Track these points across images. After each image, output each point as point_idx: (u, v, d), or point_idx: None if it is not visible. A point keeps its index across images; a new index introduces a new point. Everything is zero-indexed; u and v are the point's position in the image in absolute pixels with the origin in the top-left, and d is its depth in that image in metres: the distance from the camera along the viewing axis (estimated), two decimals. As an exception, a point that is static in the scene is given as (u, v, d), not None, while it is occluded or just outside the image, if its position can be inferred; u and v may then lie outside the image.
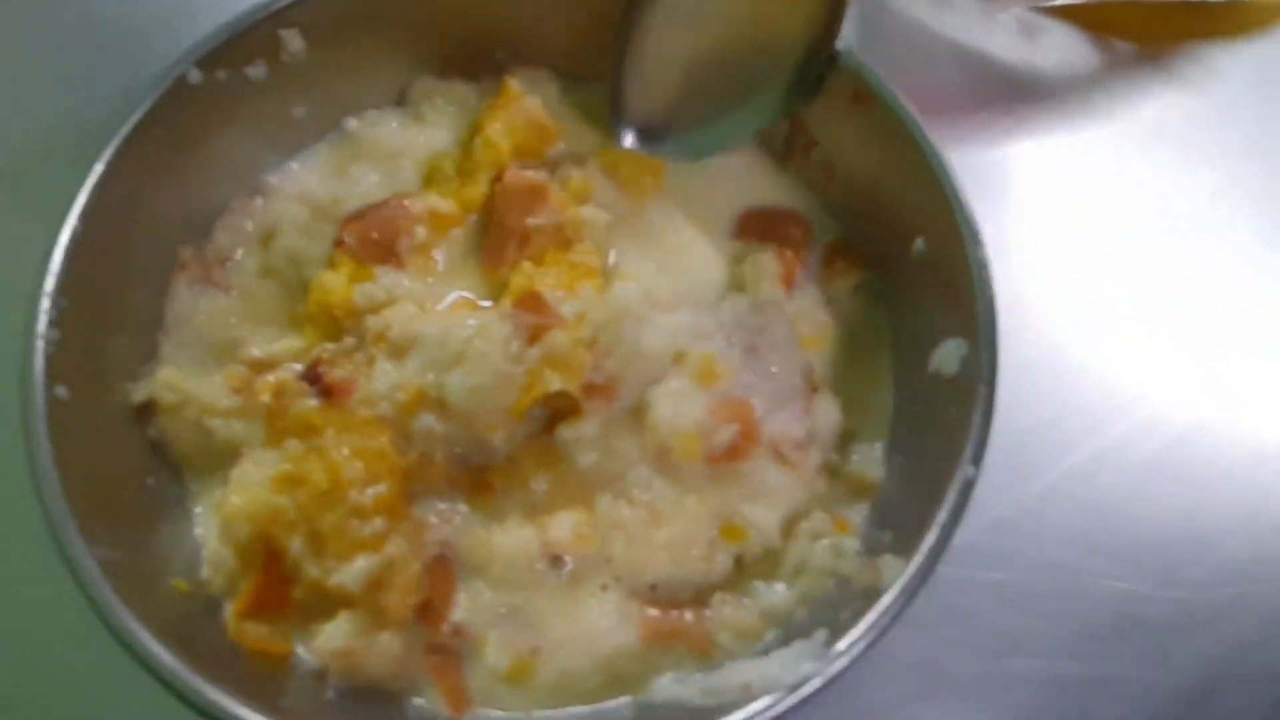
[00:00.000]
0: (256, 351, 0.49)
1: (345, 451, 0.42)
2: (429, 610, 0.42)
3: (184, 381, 0.47)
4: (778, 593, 0.44)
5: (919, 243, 0.46)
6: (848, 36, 0.47)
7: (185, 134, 0.47)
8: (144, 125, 0.44)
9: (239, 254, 0.51)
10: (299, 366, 0.47)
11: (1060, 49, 0.64)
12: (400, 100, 0.55)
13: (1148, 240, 0.60)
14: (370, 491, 0.41)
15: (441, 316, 0.45)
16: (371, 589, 0.41)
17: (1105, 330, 0.58)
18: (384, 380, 0.43)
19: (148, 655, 0.35)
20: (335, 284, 0.48)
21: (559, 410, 0.44)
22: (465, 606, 0.42)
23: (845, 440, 0.48)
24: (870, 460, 0.47)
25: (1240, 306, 0.60)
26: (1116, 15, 0.64)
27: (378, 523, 0.41)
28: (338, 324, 0.47)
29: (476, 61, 0.54)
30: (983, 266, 0.43)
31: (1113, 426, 0.56)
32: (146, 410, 0.46)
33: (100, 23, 0.64)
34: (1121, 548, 0.52)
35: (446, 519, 0.43)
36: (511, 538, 0.43)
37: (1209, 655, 0.50)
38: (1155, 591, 0.51)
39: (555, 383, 0.42)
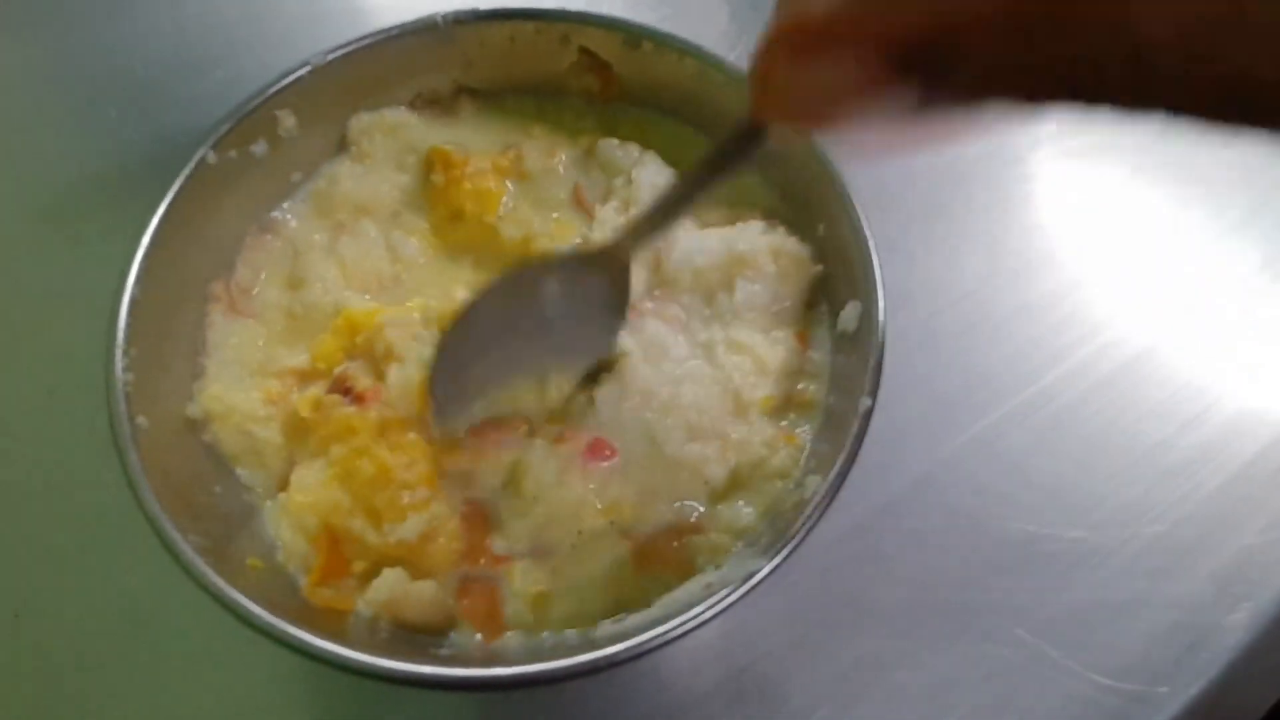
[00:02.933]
0: (293, 362, 0.58)
1: (385, 447, 0.51)
2: (470, 551, 0.52)
3: (227, 395, 0.55)
4: (742, 511, 0.53)
5: (820, 227, 0.57)
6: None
7: (208, 203, 0.56)
8: (174, 203, 0.54)
9: (258, 286, 0.60)
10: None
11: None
12: (341, 144, 0.62)
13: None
14: (411, 471, 0.51)
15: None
16: (423, 540, 0.50)
17: (1010, 310, 0.66)
18: (397, 385, 0.53)
19: (242, 609, 0.43)
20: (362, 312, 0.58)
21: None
22: (502, 541, 0.52)
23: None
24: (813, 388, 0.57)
25: (1136, 273, 0.67)
26: None
27: (421, 491, 0.51)
28: (354, 345, 0.56)
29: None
30: (866, 247, 0.52)
31: (1016, 394, 0.63)
32: (201, 422, 0.55)
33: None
34: (1026, 497, 0.59)
35: (472, 480, 0.53)
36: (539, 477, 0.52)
37: (1101, 582, 0.57)
38: (1057, 532, 0.58)
39: None
